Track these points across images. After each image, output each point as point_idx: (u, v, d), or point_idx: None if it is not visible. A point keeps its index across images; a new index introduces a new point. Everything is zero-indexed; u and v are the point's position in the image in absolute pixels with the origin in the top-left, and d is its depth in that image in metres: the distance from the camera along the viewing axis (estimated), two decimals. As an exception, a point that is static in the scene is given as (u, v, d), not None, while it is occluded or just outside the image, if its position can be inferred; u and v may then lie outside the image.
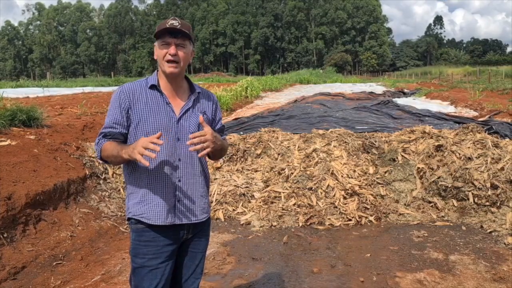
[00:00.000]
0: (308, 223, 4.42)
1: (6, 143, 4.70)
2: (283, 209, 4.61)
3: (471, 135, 5.32)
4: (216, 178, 5.26)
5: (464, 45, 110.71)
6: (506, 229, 4.05)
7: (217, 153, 1.91)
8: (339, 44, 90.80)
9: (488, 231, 4.09)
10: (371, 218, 4.48)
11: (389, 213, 4.56)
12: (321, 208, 4.59)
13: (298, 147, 5.54)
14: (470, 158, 4.78)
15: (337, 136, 5.69)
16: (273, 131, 6.21)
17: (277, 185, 4.97)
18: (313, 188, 4.83)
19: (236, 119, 9.48)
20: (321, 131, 5.99)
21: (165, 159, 1.80)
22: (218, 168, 5.48)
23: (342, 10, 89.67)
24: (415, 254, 3.62)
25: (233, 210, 4.75)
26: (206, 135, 1.69)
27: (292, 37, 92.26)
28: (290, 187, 4.90)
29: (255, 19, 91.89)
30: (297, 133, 6.16)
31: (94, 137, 5.64)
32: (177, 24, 1.78)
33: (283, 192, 4.82)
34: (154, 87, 1.86)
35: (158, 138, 1.62)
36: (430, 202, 4.72)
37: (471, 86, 19.52)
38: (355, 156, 5.32)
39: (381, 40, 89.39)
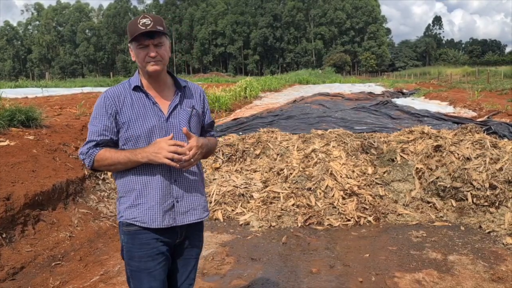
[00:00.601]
0: (307, 224, 4.42)
1: (5, 143, 4.70)
2: (282, 210, 4.61)
3: (470, 135, 5.32)
4: (215, 179, 5.26)
5: (463, 45, 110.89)
6: (505, 229, 4.05)
7: (205, 155, 1.90)
8: (338, 44, 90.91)
9: (487, 231, 4.10)
10: (370, 219, 4.48)
11: (388, 214, 4.57)
12: (320, 208, 4.60)
13: (297, 147, 5.55)
14: (468, 159, 4.79)
15: (336, 137, 5.69)
16: (272, 131, 6.22)
17: (276, 186, 4.97)
18: (312, 189, 4.83)
19: (235, 119, 9.46)
20: (320, 132, 6.00)
21: None
22: (217, 169, 5.48)
23: (341, 11, 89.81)
24: (414, 254, 3.62)
25: (232, 210, 4.75)
26: (192, 149, 1.71)
27: (291, 38, 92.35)
28: (289, 187, 4.90)
29: (254, 19, 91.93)
30: (296, 134, 6.17)
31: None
32: (149, 22, 1.71)
33: (282, 193, 4.82)
34: (138, 88, 1.81)
35: (170, 139, 1.68)
36: (428, 203, 4.72)
37: (470, 87, 19.54)
38: (354, 157, 5.33)
39: (380, 41, 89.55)
